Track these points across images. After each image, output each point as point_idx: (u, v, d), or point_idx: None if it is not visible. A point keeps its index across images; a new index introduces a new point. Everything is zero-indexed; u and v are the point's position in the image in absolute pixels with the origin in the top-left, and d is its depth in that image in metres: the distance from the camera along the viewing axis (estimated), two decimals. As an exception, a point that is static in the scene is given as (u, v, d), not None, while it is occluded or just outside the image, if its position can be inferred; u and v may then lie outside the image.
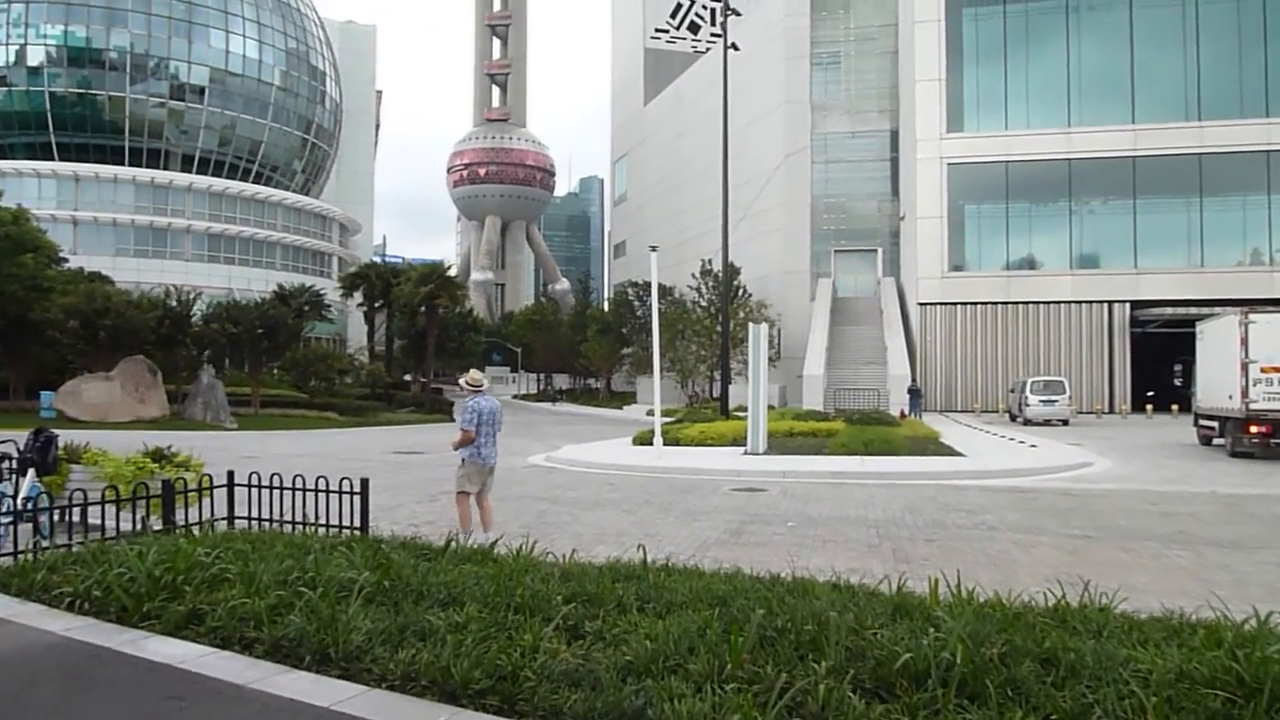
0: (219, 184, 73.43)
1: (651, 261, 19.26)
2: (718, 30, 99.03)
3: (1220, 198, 43.78)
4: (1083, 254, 45.06)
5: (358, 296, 53.93)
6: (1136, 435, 27.38)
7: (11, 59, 69.61)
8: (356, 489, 8.59)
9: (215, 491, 9.39)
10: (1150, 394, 42.52)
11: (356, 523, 8.59)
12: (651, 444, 22.14)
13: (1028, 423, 33.37)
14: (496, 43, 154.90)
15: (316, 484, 8.79)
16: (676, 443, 21.52)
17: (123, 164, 70.78)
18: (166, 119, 73.30)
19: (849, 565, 8.41)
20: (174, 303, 33.59)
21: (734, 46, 29.81)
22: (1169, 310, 42.20)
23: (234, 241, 74.31)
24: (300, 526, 8.69)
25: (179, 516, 9.26)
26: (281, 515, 8.95)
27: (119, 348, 30.44)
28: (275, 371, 42.43)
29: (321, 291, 52.96)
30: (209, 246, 73.14)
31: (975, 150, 45.22)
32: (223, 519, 9.30)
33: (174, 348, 33.43)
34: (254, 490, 9.14)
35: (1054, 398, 33.34)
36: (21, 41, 69.66)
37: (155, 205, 71.35)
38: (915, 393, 36.97)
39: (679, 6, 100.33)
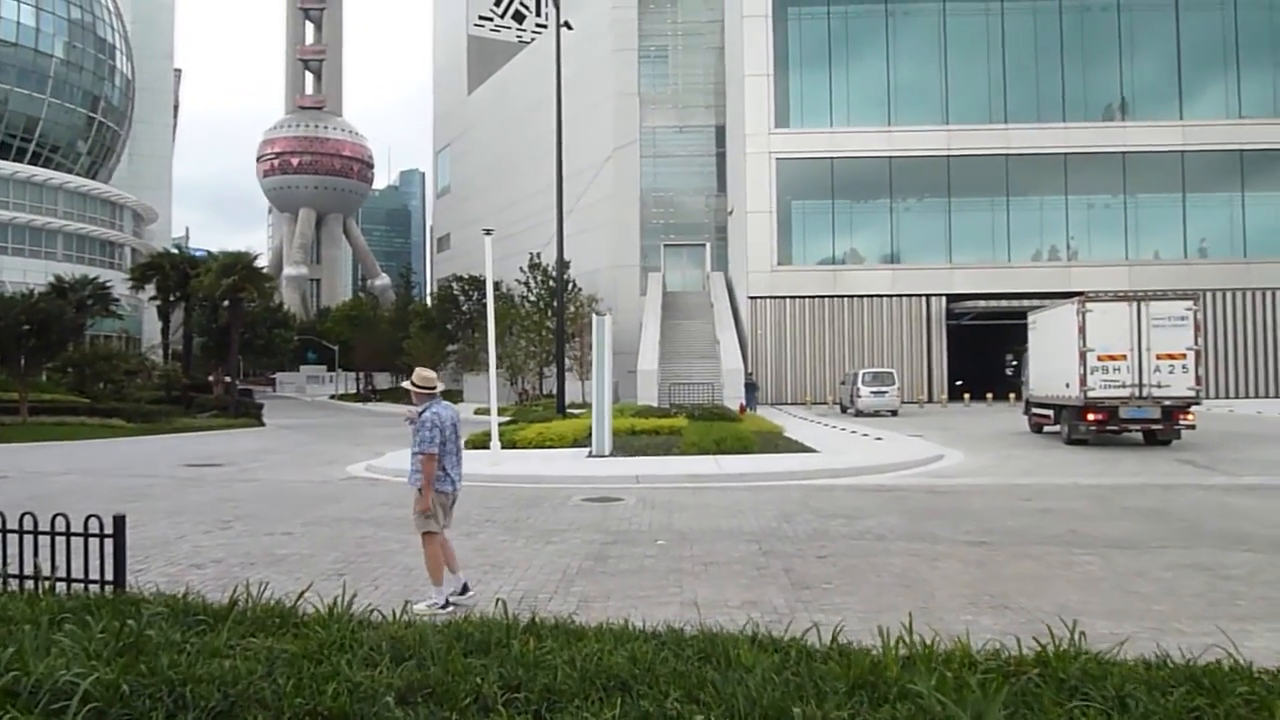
0: (-13, 164, 65.21)
1: (486, 246, 17.46)
2: (542, 21, 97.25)
3: (1024, 197, 46.01)
4: (902, 249, 46.33)
5: (150, 289, 48.78)
6: (967, 424, 27.83)
7: None
8: (109, 529, 6.50)
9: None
10: (959, 383, 44.27)
11: (110, 574, 6.52)
12: (487, 448, 20.33)
13: (859, 414, 33.63)
14: (310, 26, 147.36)
15: (53, 524, 6.63)
16: (513, 445, 19.80)
17: None
18: (-78, 90, 64.44)
19: (744, 596, 7.06)
20: (-83, 295, 28.70)
21: (567, 25, 28.22)
22: (981, 303, 43.96)
23: (6, 229, 66.18)
24: (29, 584, 6.53)
25: None
26: (5, 566, 6.73)
27: None
28: (50, 374, 37.43)
29: (109, 284, 47.57)
30: (-25, 234, 64.83)
31: (802, 146, 45.63)
32: (-81, 574, 6.96)
33: (-83, 348, 28.61)
34: (-32, 534, 6.87)
35: (884, 389, 33.74)
36: None
37: (-91, 187, 62.57)
38: (751, 386, 36.72)
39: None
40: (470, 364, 60.72)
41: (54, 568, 6.58)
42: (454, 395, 63.69)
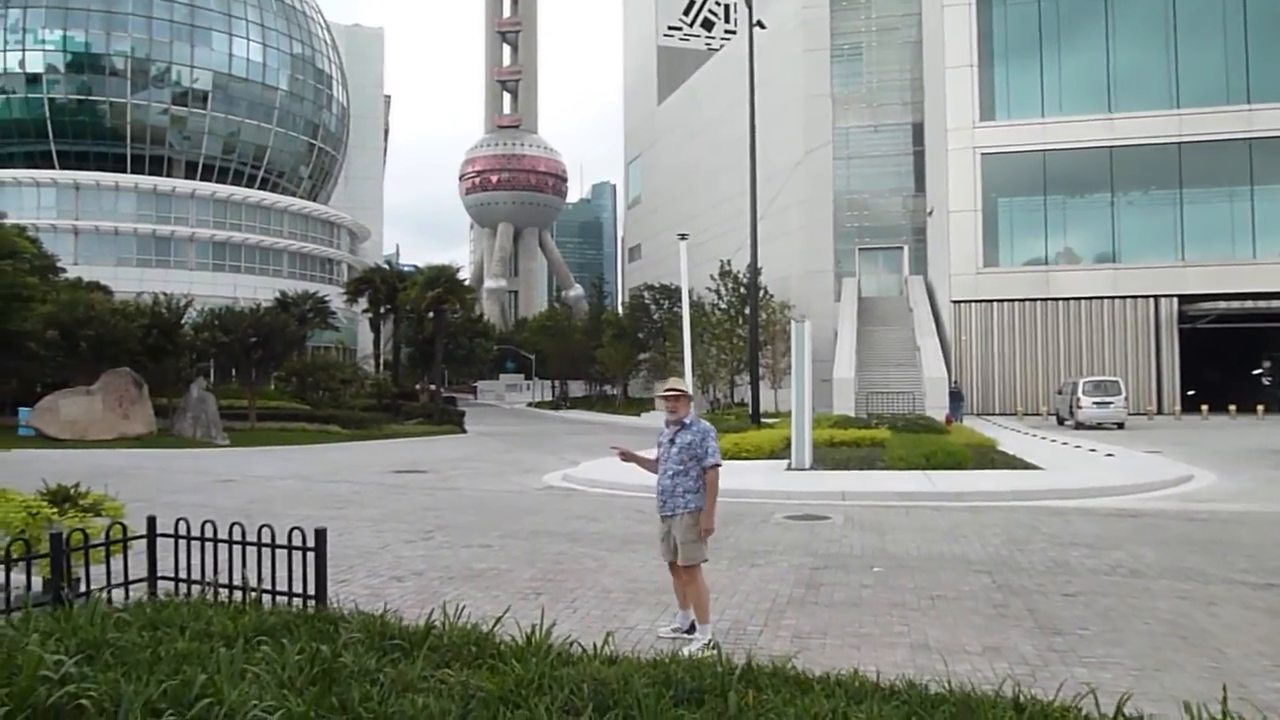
0: (223, 190, 71.71)
1: (680, 251, 17.07)
2: (731, 27, 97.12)
3: (1271, 185, 41.25)
4: (1124, 247, 42.56)
5: (363, 302, 51.86)
6: (1210, 440, 24.93)
7: (10, 66, 67.98)
8: (311, 542, 6.38)
9: (137, 543, 7.23)
10: (1190, 393, 40.06)
11: (312, 588, 6.40)
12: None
13: (1079, 426, 30.94)
14: (507, 49, 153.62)
15: (259, 535, 6.59)
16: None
17: (124, 171, 69.04)
18: (169, 125, 71.64)
19: (984, 641, 6.12)
20: (164, 310, 31.51)
21: (760, 24, 27.52)
22: (1221, 304, 39.67)
23: (239, 249, 72.52)
24: (238, 594, 6.51)
25: (93, 576, 7.17)
26: (216, 575, 6.75)
27: (102, 359, 28.36)
28: (275, 383, 40.33)
29: (327, 298, 51.00)
30: (213, 255, 71.37)
31: (1010, 139, 42.82)
32: (141, 580, 7.12)
33: (163, 358, 31.37)
34: (183, 543, 6.97)
35: (1108, 399, 30.89)
36: (20, 48, 68.07)
37: (158, 213, 69.63)
38: (957, 396, 34.63)
39: (692, 3, 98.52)
40: (662, 372, 60.92)
41: (259, 579, 6.53)
42: (646, 403, 64.15)
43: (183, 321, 32.36)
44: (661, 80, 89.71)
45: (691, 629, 6.18)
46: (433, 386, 48.34)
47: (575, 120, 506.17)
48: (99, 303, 29.09)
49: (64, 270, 43.01)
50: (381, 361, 56.03)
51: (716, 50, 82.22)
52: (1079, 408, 30.96)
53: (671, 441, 6.33)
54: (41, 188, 66.88)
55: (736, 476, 15.79)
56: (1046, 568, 8.47)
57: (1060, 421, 34.00)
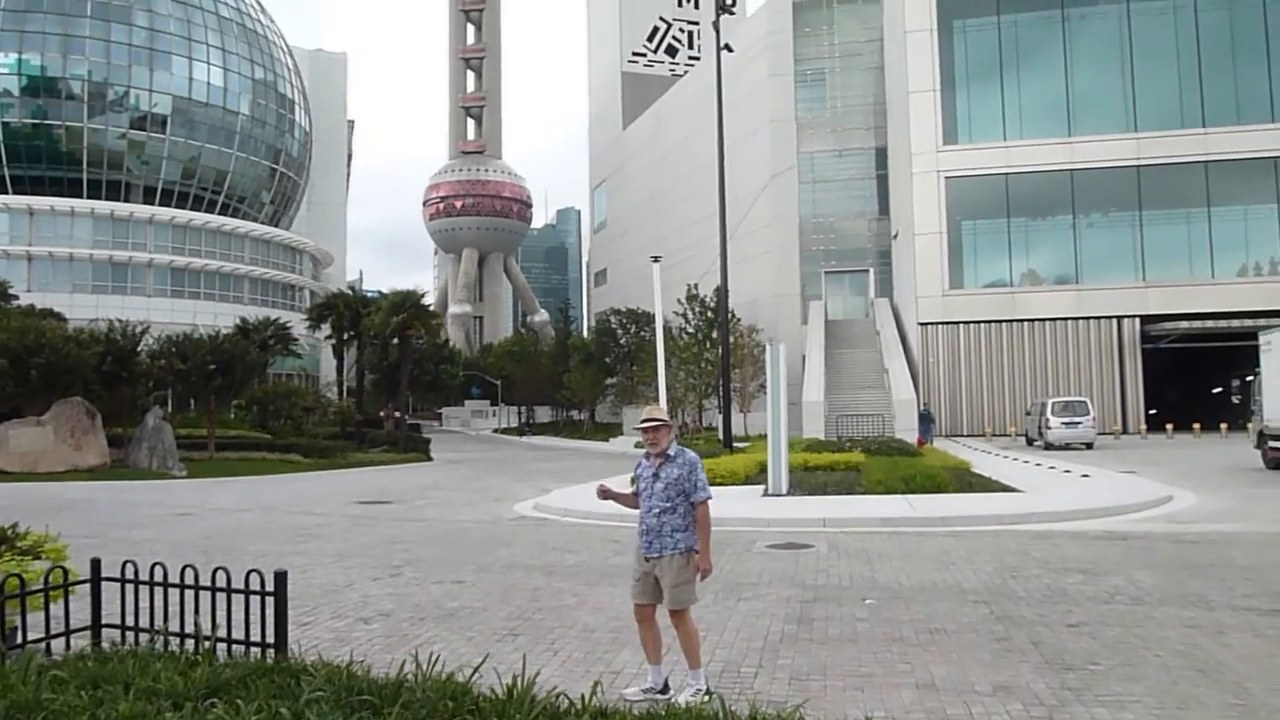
0: (182, 216, 70.44)
1: (654, 274, 16.73)
2: (695, 53, 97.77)
3: (1227, 206, 42.02)
4: (1087, 268, 42.98)
5: (326, 329, 51.00)
6: (1180, 458, 24.97)
7: (-37, 90, 66.54)
8: (270, 584, 5.88)
9: (80, 587, 6.69)
10: (1152, 412, 40.46)
11: (271, 633, 5.91)
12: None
13: (1049, 447, 30.94)
14: (471, 75, 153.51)
15: (214, 579, 6.09)
16: (681, 483, 18.79)
17: (81, 196, 67.66)
18: (127, 150, 70.37)
19: (993, 679, 5.77)
20: (119, 337, 30.59)
21: (728, 47, 27.44)
22: (1183, 324, 40.19)
23: (199, 275, 71.21)
24: (188, 643, 5.99)
25: (35, 624, 6.62)
26: (166, 622, 6.23)
27: (55, 388, 27.39)
28: (235, 411, 39.36)
29: (289, 324, 50.01)
30: (172, 281, 69.99)
31: (974, 163, 43.22)
32: (85, 629, 6.57)
33: (118, 387, 30.42)
34: (131, 587, 6.44)
35: (1077, 420, 30.94)
36: (-27, 71, 66.62)
37: (115, 239, 68.20)
38: (926, 417, 34.58)
39: (655, 30, 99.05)
40: (629, 397, 60.59)
41: (214, 626, 6.03)
42: (614, 428, 63.68)
43: (139, 349, 31.46)
44: (626, 106, 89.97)
45: (665, 688, 5.58)
46: (398, 414, 47.54)
47: (540, 146, 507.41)
48: (50, 330, 28.16)
49: (16, 297, 41.85)
50: (345, 388, 55.06)
51: (680, 76, 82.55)
52: (1048, 428, 30.98)
53: (655, 476, 5.72)
54: (-6, 212, 65.35)
55: (713, 504, 15.39)
56: (1044, 596, 8.17)
57: (1029, 442, 34.04)
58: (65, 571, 6.51)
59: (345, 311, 48.20)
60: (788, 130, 55.56)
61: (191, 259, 70.46)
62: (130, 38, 70.39)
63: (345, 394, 54.36)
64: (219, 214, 73.69)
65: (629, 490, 6.06)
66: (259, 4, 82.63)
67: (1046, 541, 11.29)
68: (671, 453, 5.74)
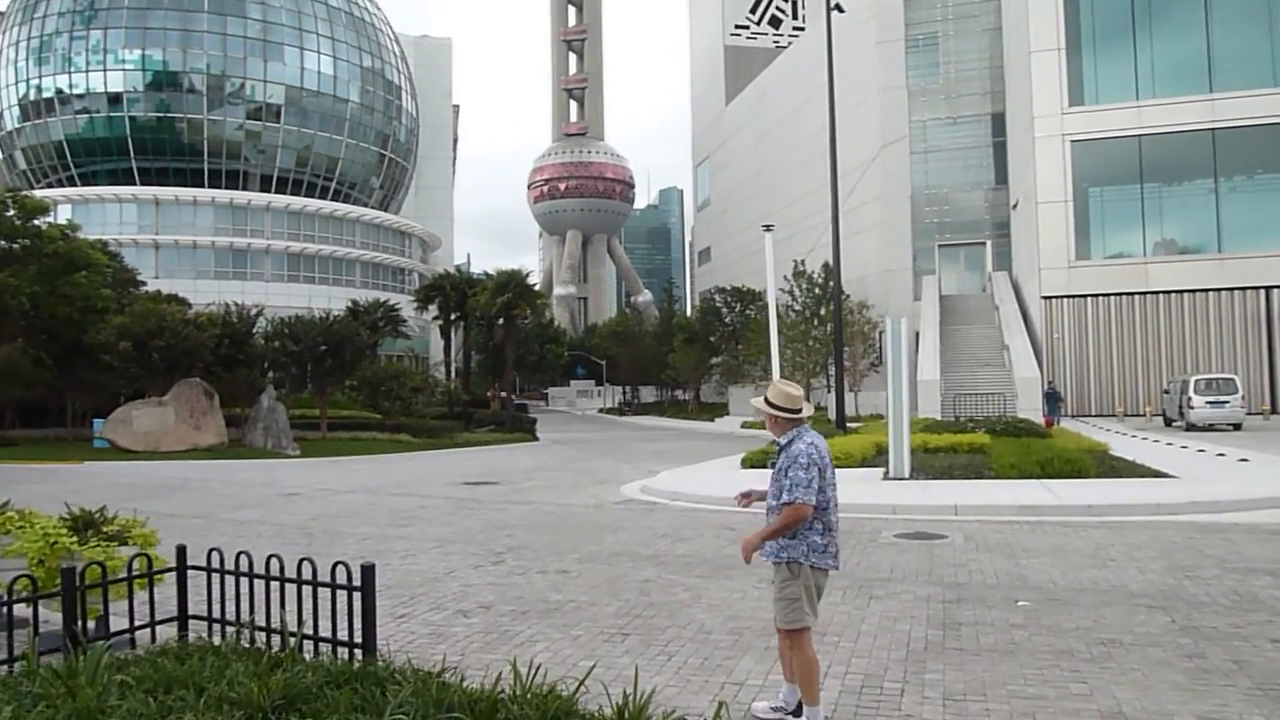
0: (297, 202, 72.53)
1: (766, 245, 15.84)
2: (800, 23, 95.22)
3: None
4: (1230, 236, 39.79)
5: (433, 310, 51.57)
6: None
7: (93, 86, 69.76)
8: (357, 579, 5.35)
9: (168, 575, 6.33)
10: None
11: (360, 633, 5.39)
12: (764, 466, 18.67)
13: (1190, 427, 28.73)
14: (573, 57, 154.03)
15: (299, 571, 5.60)
16: (794, 465, 17.88)
17: (202, 186, 70.31)
18: (244, 140, 72.72)
19: (1195, 708, 4.80)
20: (234, 320, 31.33)
21: (839, 8, 26.11)
22: (1342, 294, 36.91)
23: (313, 260, 73.32)
24: (275, 639, 5.52)
25: (127, 610, 6.30)
26: (253, 616, 5.78)
27: (175, 370, 28.22)
28: (346, 392, 40.08)
29: (397, 306, 50.80)
30: (288, 266, 72.24)
31: (1102, 125, 40.44)
32: (171, 620, 6.20)
33: (235, 368, 31.19)
34: (216, 577, 6.03)
35: (1223, 398, 28.59)
36: (102, 68, 69.75)
37: (235, 226, 70.74)
38: (1054, 396, 32.62)
39: (759, 2, 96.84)
40: (735, 376, 59.55)
41: (300, 622, 5.54)
42: (719, 408, 62.82)
43: (254, 331, 32.17)
44: (729, 80, 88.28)
45: (799, 710, 4.75)
46: (504, 394, 47.73)
47: (642, 126, 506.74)
48: (170, 313, 28.98)
49: (144, 284, 43.55)
50: (453, 369, 55.69)
51: (785, 48, 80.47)
52: (1190, 408, 28.73)
53: (773, 465, 4.95)
54: (123, 204, 68.49)
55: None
56: (1232, 603, 7.05)
57: (1168, 423, 31.75)
58: (149, 560, 6.15)
59: (452, 292, 48.57)
60: (898, 98, 53.35)
61: (306, 244, 72.55)
62: (245, 31, 72.53)
63: (453, 374, 54.98)
64: (331, 200, 75.60)
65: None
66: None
67: (1218, 536, 10.03)
68: (783, 440, 4.89)
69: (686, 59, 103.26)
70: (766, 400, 4.93)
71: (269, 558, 5.80)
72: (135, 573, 6.05)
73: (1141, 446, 21.74)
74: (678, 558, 9.57)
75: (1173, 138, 39.71)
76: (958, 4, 54.96)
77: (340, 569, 5.42)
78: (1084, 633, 6.30)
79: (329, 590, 5.48)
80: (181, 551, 6.27)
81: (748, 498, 5.20)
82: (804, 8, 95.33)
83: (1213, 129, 39.11)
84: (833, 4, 26.33)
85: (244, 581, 5.92)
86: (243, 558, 5.90)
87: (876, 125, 53.43)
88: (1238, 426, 28.49)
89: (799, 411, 4.88)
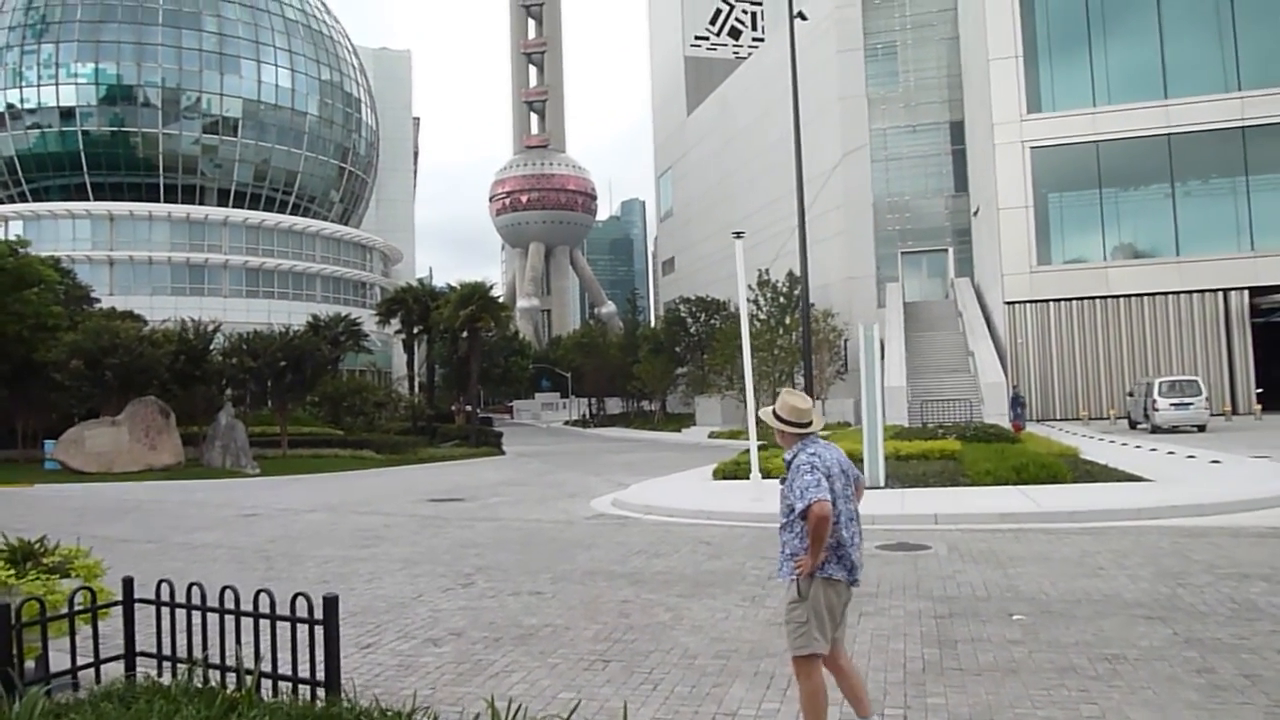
0: (255, 217, 71.46)
1: (737, 251, 15.58)
2: (759, 34, 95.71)
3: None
4: (1187, 239, 40.33)
5: (395, 323, 50.87)
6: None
7: (45, 100, 68.22)
8: (320, 611, 4.95)
9: (114, 610, 5.87)
10: (1259, 391, 37.79)
11: (322, 669, 4.99)
12: (737, 477, 18.40)
13: (1156, 430, 28.94)
14: (533, 69, 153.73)
15: (256, 602, 5.18)
16: (767, 475, 17.61)
17: (158, 201, 69.00)
18: (200, 154, 71.59)
19: (1216, 731, 4.55)
20: (191, 336, 30.53)
21: (801, 15, 26.07)
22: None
23: (272, 275, 72.24)
24: (231, 677, 5.11)
25: (71, 648, 5.82)
26: (206, 653, 5.35)
27: (130, 388, 27.38)
28: (308, 408, 39.27)
29: (359, 320, 50.02)
30: (247, 281, 71.10)
31: (1060, 131, 40.90)
32: (117, 658, 5.75)
33: (192, 385, 30.38)
34: (166, 611, 5.59)
35: (1187, 400, 28.84)
36: (54, 82, 68.33)
37: (191, 241, 69.55)
38: (1018, 401, 32.70)
39: (718, 13, 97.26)
40: (700, 386, 59.38)
41: (258, 658, 5.12)
42: (685, 419, 62.60)
43: (211, 347, 31.38)
44: (690, 91, 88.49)
45: None
46: (469, 407, 47.12)
47: (603, 138, 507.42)
48: (125, 330, 28.14)
49: (98, 300, 42.45)
50: (416, 383, 54.95)
51: (745, 59, 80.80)
52: (1155, 410, 28.94)
53: (783, 482, 4.64)
54: (77, 219, 67.09)
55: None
56: (1230, 612, 6.85)
57: (1133, 425, 31.99)
58: (92, 594, 5.70)
59: (414, 305, 47.96)
60: (858, 107, 53.73)
61: (265, 259, 71.46)
62: (200, 43, 71.45)
63: (416, 389, 54.25)
64: (290, 214, 74.56)
65: None
66: (324, 5, 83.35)
67: (1203, 540, 9.88)
68: (788, 456, 4.58)
69: (647, 71, 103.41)
70: (774, 414, 4.62)
71: (223, 589, 5.37)
72: (77, 608, 5.59)
73: (1111, 449, 21.77)
74: (655, 575, 9.23)
75: (1129, 143, 40.22)
76: (915, 14, 55.54)
77: (301, 600, 5.01)
78: (1086, 647, 6.05)
79: (292, 622, 5.07)
80: (128, 584, 5.81)
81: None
82: (763, 19, 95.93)
83: (1168, 134, 39.67)
84: (795, 12, 26.22)
85: (197, 614, 5.49)
86: (195, 589, 5.46)
87: (837, 134, 53.69)
88: (1202, 428, 28.73)
89: (807, 425, 4.58)
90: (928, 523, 11.75)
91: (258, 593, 5.23)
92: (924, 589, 8.05)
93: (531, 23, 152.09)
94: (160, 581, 5.64)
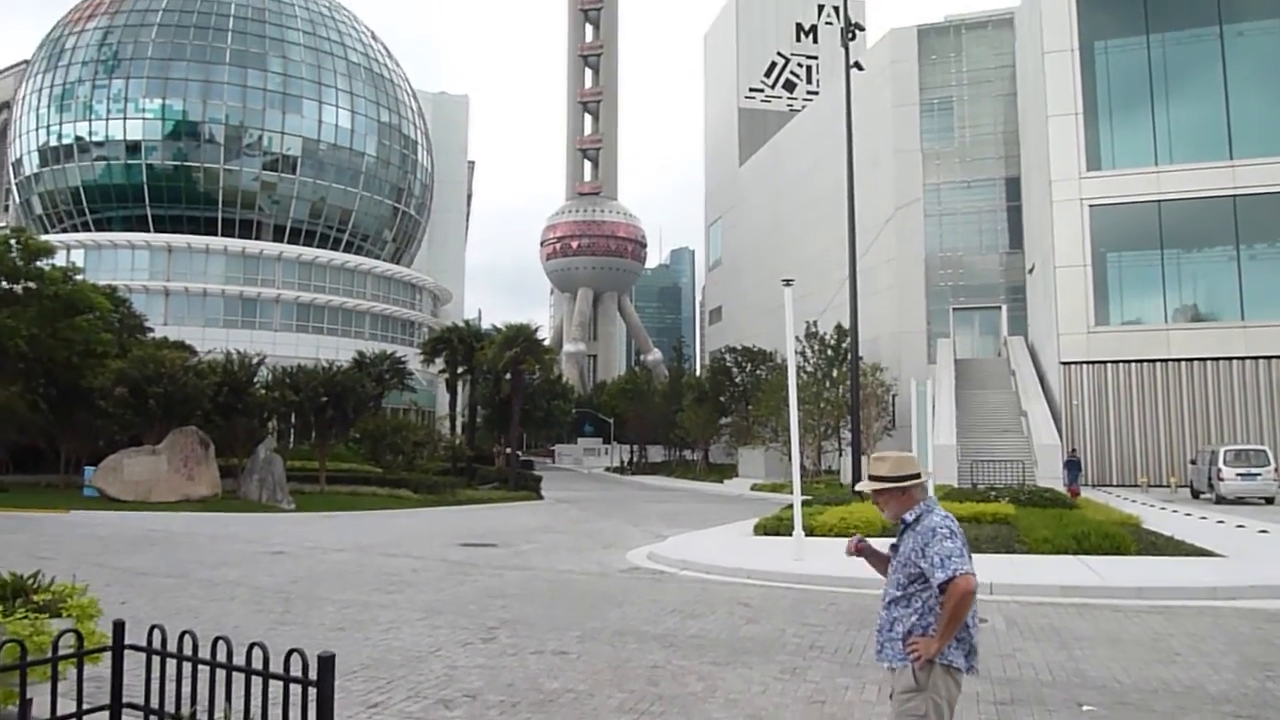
0: (309, 253, 72.45)
1: (786, 299, 15.12)
2: (814, 87, 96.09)
3: None
4: (1254, 303, 38.97)
5: (439, 363, 50.92)
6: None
7: (113, 134, 70.26)
8: (314, 671, 4.49)
9: (104, 655, 5.48)
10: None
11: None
12: (779, 533, 17.71)
13: (1220, 500, 27.61)
14: (588, 118, 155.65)
15: (249, 658, 4.74)
16: (810, 532, 16.91)
17: (215, 234, 70.37)
18: (259, 190, 72.94)
19: None
20: (235, 368, 30.67)
21: (858, 65, 25.82)
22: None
23: (323, 311, 72.99)
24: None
25: (60, 692, 5.43)
26: (194, 708, 4.92)
27: (172, 417, 27.49)
28: (348, 444, 39.22)
29: (404, 359, 50.14)
30: (297, 316, 71.86)
31: (1120, 190, 39.96)
32: (102, 709, 5.33)
33: (234, 417, 30.44)
34: (158, 659, 5.17)
35: (1254, 470, 27.52)
36: (122, 116, 70.32)
37: (245, 275, 70.57)
38: (1074, 464, 31.55)
39: (773, 65, 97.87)
40: (744, 437, 58.60)
41: (247, 717, 4.67)
42: (728, 469, 61.68)
43: (254, 380, 31.49)
44: (743, 142, 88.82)
45: None
46: (509, 449, 46.81)
47: (654, 187, 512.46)
48: (170, 359, 28.33)
49: (152, 330, 43.06)
50: (458, 423, 54.86)
51: (798, 111, 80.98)
52: (1220, 479, 27.65)
53: (895, 549, 4.05)
54: (135, 250, 68.48)
55: (848, 561, 13.51)
56: (1332, 712, 6.12)
57: (1195, 494, 30.62)
58: (80, 637, 5.31)
59: (459, 345, 47.97)
60: (913, 161, 53.33)
61: (316, 295, 72.29)
62: (265, 83, 73.19)
63: (458, 429, 54.12)
64: (343, 251, 75.55)
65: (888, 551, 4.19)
66: (386, 50, 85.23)
67: (1288, 626, 9.07)
68: (909, 517, 3.94)
69: (700, 121, 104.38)
70: (885, 476, 4.01)
71: (215, 640, 4.93)
72: (62, 652, 5.20)
73: (1174, 520, 20.70)
74: (689, 638, 8.64)
75: (1193, 204, 39.18)
76: (972, 69, 55.24)
77: (296, 657, 4.55)
78: (1169, 749, 5.37)
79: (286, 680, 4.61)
80: (119, 628, 5.41)
81: (861, 546, 4.24)
82: (818, 73, 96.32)
83: (1234, 195, 38.57)
84: (852, 62, 25.98)
85: (188, 664, 5.06)
86: (187, 637, 5.03)
87: (891, 187, 53.30)
88: (1270, 500, 27.39)
89: (918, 475, 3.99)
90: (983, 592, 10.94)
91: (251, 647, 4.78)
92: (982, 668, 7.35)
93: (589, 72, 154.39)
94: (152, 627, 5.21)
